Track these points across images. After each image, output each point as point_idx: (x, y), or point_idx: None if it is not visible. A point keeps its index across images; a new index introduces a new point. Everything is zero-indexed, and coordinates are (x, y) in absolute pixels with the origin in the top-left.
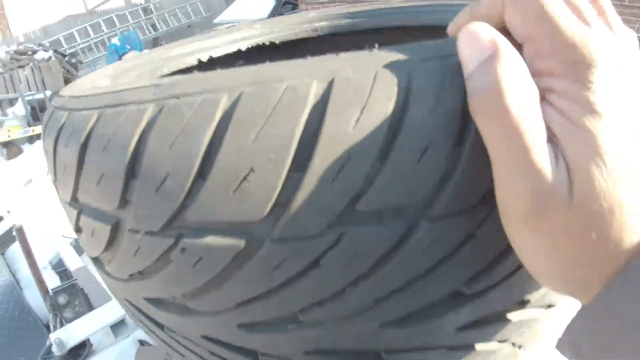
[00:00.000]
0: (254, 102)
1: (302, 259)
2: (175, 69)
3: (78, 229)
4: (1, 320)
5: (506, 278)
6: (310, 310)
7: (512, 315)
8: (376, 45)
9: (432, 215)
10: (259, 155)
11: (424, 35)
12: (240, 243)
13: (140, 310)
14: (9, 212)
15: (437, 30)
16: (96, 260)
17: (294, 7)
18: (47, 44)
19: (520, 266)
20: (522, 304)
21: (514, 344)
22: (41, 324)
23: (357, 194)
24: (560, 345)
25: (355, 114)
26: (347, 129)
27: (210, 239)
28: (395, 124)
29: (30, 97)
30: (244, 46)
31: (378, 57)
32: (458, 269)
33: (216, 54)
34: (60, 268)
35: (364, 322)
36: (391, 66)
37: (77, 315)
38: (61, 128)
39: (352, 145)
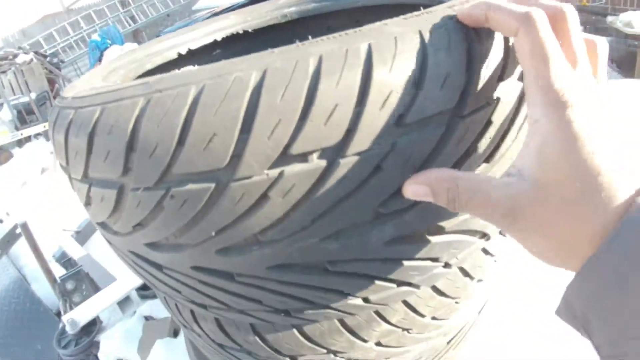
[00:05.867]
0: (213, 90)
1: (254, 193)
2: (157, 63)
3: (88, 202)
4: (14, 313)
5: (416, 203)
6: (265, 231)
7: (432, 238)
8: (309, 37)
9: (347, 154)
10: (218, 124)
11: (387, 12)
12: (211, 186)
13: (141, 257)
14: (7, 214)
15: (399, 9)
16: (104, 225)
17: None
18: (27, 47)
19: None
20: (440, 228)
21: (447, 264)
22: (51, 313)
23: (288, 144)
24: (558, 311)
25: (281, 91)
26: (276, 102)
27: (191, 186)
28: (308, 97)
29: (15, 102)
30: (219, 37)
31: (302, 49)
32: (371, 193)
33: (194, 46)
34: (64, 259)
35: (306, 238)
36: (306, 55)
37: (85, 298)
38: (70, 122)
39: (280, 113)
